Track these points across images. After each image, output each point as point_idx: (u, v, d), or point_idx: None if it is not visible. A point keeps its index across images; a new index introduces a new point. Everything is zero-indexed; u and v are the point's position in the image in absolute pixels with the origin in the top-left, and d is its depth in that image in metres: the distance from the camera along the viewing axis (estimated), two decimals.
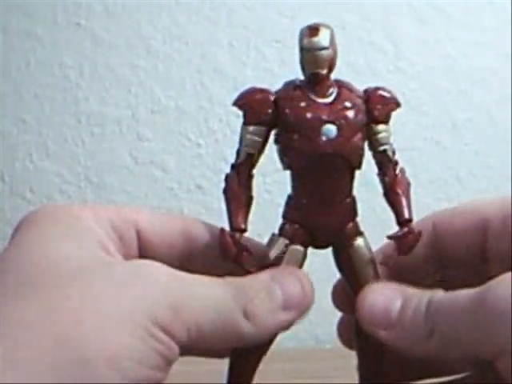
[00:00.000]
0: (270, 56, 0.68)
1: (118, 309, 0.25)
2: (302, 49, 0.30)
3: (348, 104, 0.30)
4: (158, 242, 0.31)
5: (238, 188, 0.31)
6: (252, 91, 0.31)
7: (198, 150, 0.67)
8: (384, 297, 0.30)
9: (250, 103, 0.31)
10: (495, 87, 0.70)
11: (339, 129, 0.30)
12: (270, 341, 0.31)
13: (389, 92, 0.32)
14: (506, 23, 0.69)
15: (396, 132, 0.68)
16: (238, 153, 0.31)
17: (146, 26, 0.68)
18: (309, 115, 0.30)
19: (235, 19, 0.68)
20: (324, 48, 0.29)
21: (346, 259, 0.32)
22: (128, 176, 0.69)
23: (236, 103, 0.31)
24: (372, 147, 0.32)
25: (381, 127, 0.31)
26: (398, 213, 0.31)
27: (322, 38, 0.30)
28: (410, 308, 0.29)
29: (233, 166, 0.31)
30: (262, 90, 0.31)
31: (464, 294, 0.27)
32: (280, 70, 0.67)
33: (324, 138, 0.29)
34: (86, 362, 0.23)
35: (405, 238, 0.31)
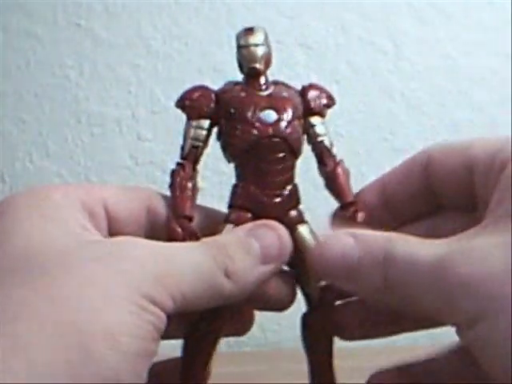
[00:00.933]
0: None
1: (107, 288, 0.25)
2: (239, 47, 0.32)
3: (285, 94, 0.32)
4: (124, 217, 0.31)
5: (184, 180, 0.32)
6: (192, 89, 0.33)
7: None
8: (340, 249, 0.29)
9: (192, 99, 0.32)
10: (495, 87, 0.70)
11: (278, 113, 0.31)
12: (217, 336, 0.32)
13: (322, 87, 0.34)
14: (506, 23, 0.68)
15: (396, 132, 0.68)
16: (183, 148, 0.32)
17: (146, 26, 0.68)
18: (248, 102, 0.31)
19: (235, 19, 0.68)
20: (259, 44, 0.32)
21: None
22: (128, 176, 0.69)
23: (177, 104, 0.33)
24: (310, 139, 0.33)
25: (317, 119, 0.33)
26: (341, 197, 0.33)
27: (257, 36, 0.32)
28: (366, 262, 0.28)
29: (177, 163, 0.32)
30: (202, 87, 0.33)
31: (424, 255, 0.26)
32: (280, 70, 0.67)
33: (264, 123, 0.31)
34: (84, 345, 0.23)
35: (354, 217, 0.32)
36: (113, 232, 0.31)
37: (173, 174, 0.32)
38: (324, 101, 0.33)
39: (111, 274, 0.26)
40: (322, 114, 0.33)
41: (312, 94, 0.33)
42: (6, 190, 0.68)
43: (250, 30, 0.32)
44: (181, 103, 0.33)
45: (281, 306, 0.32)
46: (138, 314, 0.25)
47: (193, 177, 0.32)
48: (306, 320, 0.34)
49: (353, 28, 0.68)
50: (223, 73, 0.68)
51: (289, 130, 0.31)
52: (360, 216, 0.32)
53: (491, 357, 0.25)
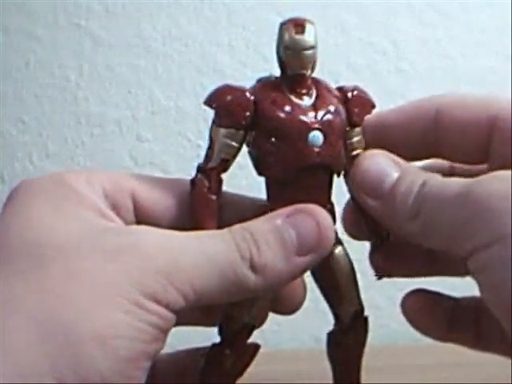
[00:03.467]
0: (269, 56, 0.68)
1: (104, 284, 0.23)
2: (285, 47, 0.27)
3: (331, 108, 0.28)
4: (154, 208, 0.28)
5: (210, 193, 0.28)
6: (227, 89, 0.28)
7: (198, 151, 0.67)
8: (380, 166, 0.28)
9: (227, 105, 0.27)
10: (495, 87, 0.70)
11: (325, 136, 0.27)
12: (250, 360, 0.30)
13: (365, 93, 0.30)
14: (506, 23, 0.68)
15: None
16: (209, 156, 0.28)
17: (146, 26, 0.68)
18: (295, 121, 0.27)
19: (235, 19, 0.68)
20: (310, 47, 0.27)
21: (324, 268, 0.30)
22: None
23: (209, 103, 0.28)
24: (345, 151, 0.30)
25: (356, 131, 0.30)
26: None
27: (309, 36, 0.27)
28: (403, 184, 0.27)
29: (202, 169, 0.28)
30: (239, 89, 0.28)
31: (454, 183, 0.26)
32: (279, 70, 0.67)
33: (312, 147, 0.27)
34: (75, 345, 0.22)
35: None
36: (141, 222, 0.28)
37: (195, 182, 0.28)
38: (366, 110, 0.30)
39: (112, 268, 0.23)
40: (361, 125, 0.30)
41: (356, 103, 0.29)
42: (5, 190, 0.68)
43: (300, 27, 0.27)
44: (214, 105, 0.28)
45: (290, 308, 0.31)
46: (135, 314, 0.23)
47: (218, 190, 0.28)
48: (337, 338, 0.32)
49: (353, 28, 0.68)
50: (223, 73, 0.68)
51: (334, 155, 0.28)
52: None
53: (501, 282, 0.24)
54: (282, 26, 0.28)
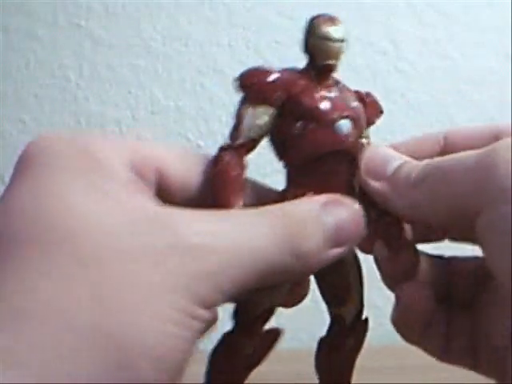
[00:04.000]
0: (269, 56, 0.68)
1: (154, 291, 0.21)
2: (318, 36, 0.28)
3: (356, 102, 0.29)
4: (177, 185, 0.26)
5: (234, 171, 0.27)
6: (260, 70, 0.28)
7: (198, 151, 0.67)
8: (385, 152, 0.29)
9: (260, 83, 0.27)
10: (495, 87, 0.70)
11: (353, 125, 0.28)
12: (271, 346, 0.29)
13: (376, 99, 0.31)
14: (506, 23, 0.68)
15: (396, 132, 0.68)
16: (235, 135, 0.27)
17: (146, 26, 0.68)
18: (327, 106, 0.27)
19: (235, 20, 0.68)
20: (341, 40, 0.28)
21: (335, 266, 0.28)
22: None
23: (241, 82, 0.27)
24: None
25: (367, 132, 0.30)
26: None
27: (340, 30, 0.28)
28: (407, 165, 0.28)
29: (230, 146, 0.27)
30: (271, 70, 0.28)
31: (462, 154, 0.26)
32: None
33: (339, 134, 0.27)
34: (124, 357, 0.20)
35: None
36: (162, 196, 0.26)
37: (221, 158, 0.27)
38: (377, 114, 0.31)
39: (162, 272, 0.21)
40: (369, 126, 0.31)
41: (372, 105, 0.30)
42: None
43: (332, 21, 0.28)
44: (244, 83, 0.27)
45: (294, 301, 0.30)
46: (184, 326, 0.21)
47: (243, 169, 0.27)
48: (330, 343, 0.32)
49: (352, 28, 0.68)
50: (223, 73, 0.68)
51: (356, 145, 0.28)
52: None
53: (507, 242, 0.24)
54: (314, 19, 0.28)
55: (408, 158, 0.29)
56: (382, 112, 0.31)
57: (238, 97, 0.28)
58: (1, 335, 0.20)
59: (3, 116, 0.68)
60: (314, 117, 0.27)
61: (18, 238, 0.22)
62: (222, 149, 0.27)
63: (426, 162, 0.28)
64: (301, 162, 0.28)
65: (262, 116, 0.27)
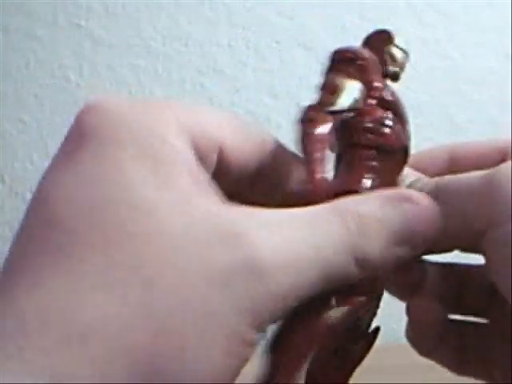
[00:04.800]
0: (269, 56, 0.68)
1: (210, 316, 0.19)
2: (395, 45, 0.31)
3: None
4: (238, 163, 0.24)
5: (326, 137, 0.25)
6: (359, 50, 0.30)
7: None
8: None
9: (363, 58, 0.30)
10: (495, 87, 0.70)
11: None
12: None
13: None
14: (506, 23, 0.68)
15: None
16: (331, 98, 0.26)
17: (146, 26, 0.68)
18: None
19: (235, 20, 0.68)
20: (407, 54, 0.32)
21: None
22: None
23: (344, 54, 0.29)
24: None
25: None
26: None
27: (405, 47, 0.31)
28: (419, 182, 0.29)
29: (321, 110, 0.25)
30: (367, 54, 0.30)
31: (473, 173, 0.27)
32: (280, 70, 0.67)
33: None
34: None
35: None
36: (219, 176, 0.23)
37: (311, 121, 0.25)
38: None
39: (221, 296, 0.19)
40: None
41: None
42: (5, 190, 0.68)
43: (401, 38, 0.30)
44: (345, 55, 0.29)
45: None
46: (238, 354, 0.19)
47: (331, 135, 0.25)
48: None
49: (352, 28, 0.68)
50: (223, 73, 0.68)
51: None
52: None
53: (506, 260, 0.24)
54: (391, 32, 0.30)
55: (420, 175, 0.30)
56: None
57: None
58: (62, 354, 0.18)
59: (3, 116, 0.68)
60: (404, 113, 0.29)
61: (75, 230, 0.19)
62: (311, 108, 0.25)
63: (436, 179, 0.28)
64: (370, 151, 0.27)
65: (357, 91, 0.27)
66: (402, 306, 0.33)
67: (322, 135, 0.25)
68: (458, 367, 0.32)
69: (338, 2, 0.68)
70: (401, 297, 0.31)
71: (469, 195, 0.26)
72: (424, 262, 0.31)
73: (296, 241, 0.21)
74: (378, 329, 0.30)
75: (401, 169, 0.29)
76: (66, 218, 0.19)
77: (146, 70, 0.68)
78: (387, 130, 0.28)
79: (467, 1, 0.69)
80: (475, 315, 0.32)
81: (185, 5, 0.68)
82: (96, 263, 0.19)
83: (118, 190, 0.20)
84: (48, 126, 0.68)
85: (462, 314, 0.32)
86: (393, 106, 0.29)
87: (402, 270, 0.27)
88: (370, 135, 0.27)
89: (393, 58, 0.30)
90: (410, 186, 0.29)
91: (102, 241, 0.19)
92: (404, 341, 0.32)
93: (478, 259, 0.33)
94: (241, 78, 0.67)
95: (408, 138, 0.29)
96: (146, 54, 0.68)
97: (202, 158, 0.22)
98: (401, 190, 0.25)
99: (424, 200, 0.24)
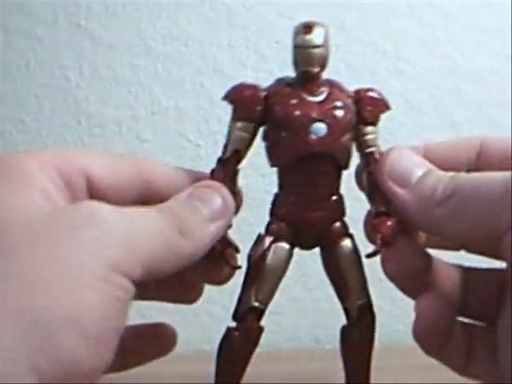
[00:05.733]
0: (269, 56, 0.68)
1: (71, 263, 0.23)
2: (295, 46, 0.30)
3: (338, 103, 0.30)
4: (109, 187, 0.30)
5: (224, 183, 0.30)
6: (242, 87, 0.32)
7: (198, 151, 0.67)
8: (410, 158, 0.30)
9: (240, 99, 0.31)
10: (495, 87, 0.70)
11: (329, 127, 0.29)
12: (256, 341, 0.31)
13: (379, 94, 0.32)
14: (506, 23, 0.68)
15: (396, 132, 0.68)
16: (225, 148, 0.31)
17: (146, 26, 0.68)
18: (298, 113, 0.30)
19: (235, 20, 0.68)
20: (317, 46, 0.30)
21: (331, 260, 0.31)
22: None
23: (226, 98, 0.32)
24: (359, 148, 0.32)
25: (369, 129, 0.31)
26: (378, 205, 0.31)
27: (316, 36, 0.30)
28: (432, 175, 0.29)
29: (219, 161, 0.31)
30: (252, 86, 0.31)
31: (489, 174, 0.27)
32: (280, 70, 0.67)
33: (313, 137, 0.29)
34: (45, 332, 0.22)
35: (381, 224, 0.30)
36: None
37: (212, 173, 0.31)
38: (379, 109, 0.31)
39: (74, 245, 0.24)
40: (375, 124, 0.32)
41: (367, 102, 0.31)
42: None
43: (308, 28, 0.30)
44: (230, 99, 0.32)
45: (219, 280, 0.33)
46: (105, 292, 0.24)
47: (233, 178, 0.31)
48: (345, 333, 0.33)
49: (352, 28, 0.68)
50: (223, 73, 0.68)
51: (337, 146, 0.30)
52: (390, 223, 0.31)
53: None
54: (295, 28, 0.31)
55: (432, 166, 0.29)
56: (387, 107, 0.32)
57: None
58: None
59: (3, 116, 0.68)
60: (288, 124, 0.30)
61: None
62: (217, 162, 0.31)
63: (450, 176, 0.28)
64: (283, 165, 0.30)
65: (244, 129, 0.31)
66: (405, 307, 0.33)
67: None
68: (464, 368, 0.32)
69: (338, 2, 0.68)
70: (409, 294, 0.31)
71: (489, 197, 0.26)
72: (430, 255, 0.31)
73: (129, 212, 0.27)
74: (371, 311, 0.32)
75: (334, 171, 0.31)
76: None
77: (145, 70, 0.68)
78: None
79: (467, 1, 0.69)
80: (483, 316, 0.32)
81: (185, 5, 0.68)
82: None
83: None
84: (48, 126, 0.68)
85: (469, 316, 0.32)
86: (280, 122, 0.31)
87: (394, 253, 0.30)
88: None
89: (298, 59, 0.31)
90: (419, 181, 0.29)
91: None
92: (408, 342, 0.32)
93: (480, 261, 0.33)
94: (241, 78, 0.67)
95: (310, 146, 0.30)
96: (145, 54, 0.68)
97: (70, 181, 0.28)
98: (205, 182, 0.30)
99: (219, 187, 0.30)
